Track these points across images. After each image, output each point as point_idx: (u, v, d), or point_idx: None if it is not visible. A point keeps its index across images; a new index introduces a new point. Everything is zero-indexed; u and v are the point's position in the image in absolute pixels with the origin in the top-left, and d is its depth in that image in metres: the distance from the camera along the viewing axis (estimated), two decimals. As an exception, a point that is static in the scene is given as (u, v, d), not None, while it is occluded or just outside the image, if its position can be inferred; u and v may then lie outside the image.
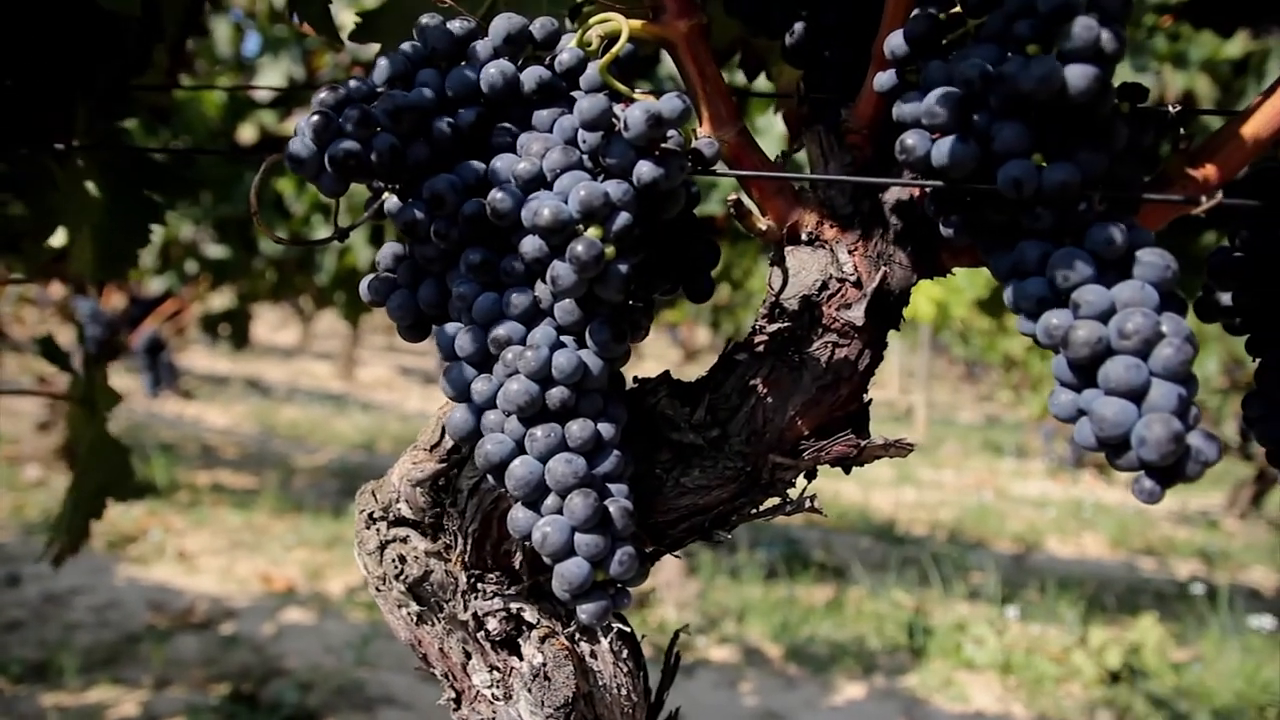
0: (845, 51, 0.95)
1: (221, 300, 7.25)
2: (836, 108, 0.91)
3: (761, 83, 1.48)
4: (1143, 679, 4.47)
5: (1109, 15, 0.67)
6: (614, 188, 0.69)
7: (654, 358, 17.30)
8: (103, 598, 4.56)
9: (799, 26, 0.97)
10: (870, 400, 0.89)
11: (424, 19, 0.78)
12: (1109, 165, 0.71)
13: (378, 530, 0.91)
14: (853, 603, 5.36)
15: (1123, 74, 3.22)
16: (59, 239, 1.58)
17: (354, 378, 14.44)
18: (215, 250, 5.49)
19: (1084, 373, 0.71)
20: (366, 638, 4.14)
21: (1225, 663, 4.63)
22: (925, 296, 4.24)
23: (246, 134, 4.71)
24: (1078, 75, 0.65)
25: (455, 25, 0.78)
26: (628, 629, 0.91)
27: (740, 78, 1.45)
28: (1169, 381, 0.68)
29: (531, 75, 0.76)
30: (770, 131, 3.42)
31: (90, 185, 1.48)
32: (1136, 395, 0.68)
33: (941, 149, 0.71)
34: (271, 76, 4.59)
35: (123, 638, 4.11)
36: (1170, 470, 0.69)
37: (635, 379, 0.90)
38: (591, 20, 0.78)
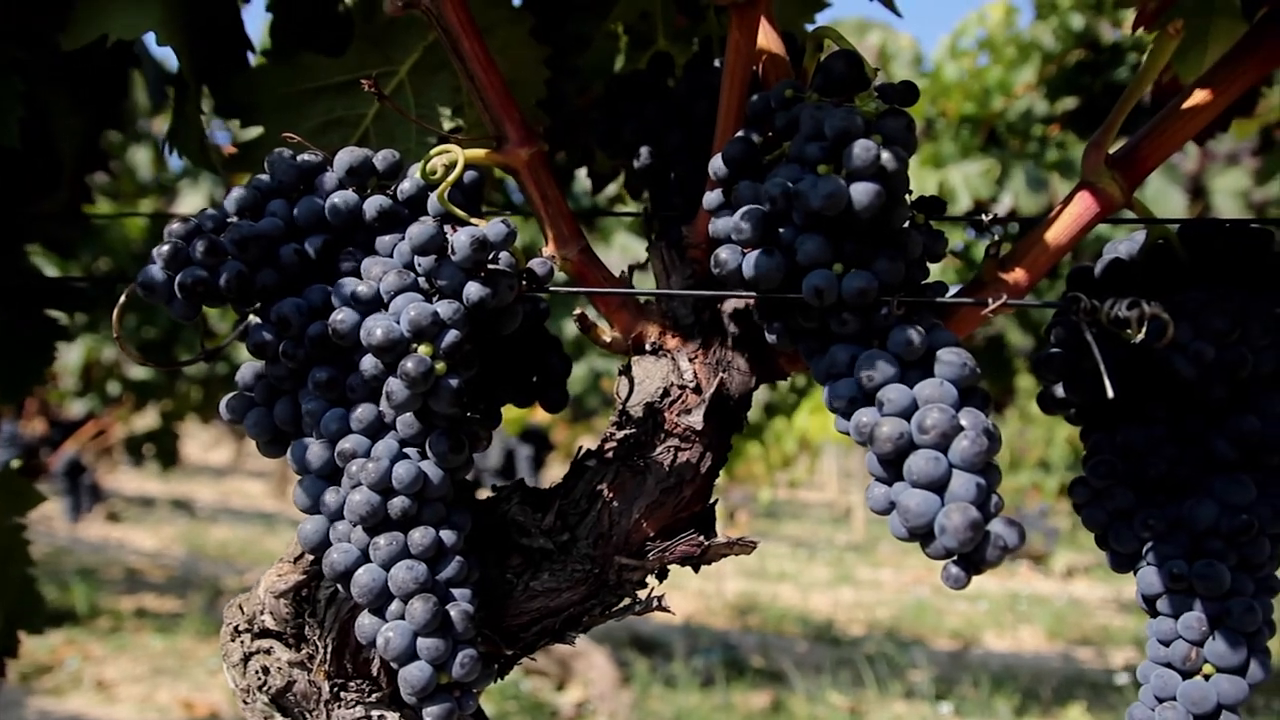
0: (688, 171, 1.02)
1: (146, 421, 7.16)
2: (679, 225, 0.97)
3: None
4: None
5: (891, 138, 0.73)
6: (444, 307, 0.74)
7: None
8: (14, 733, 4.41)
9: (645, 150, 1.03)
10: (716, 501, 0.93)
11: (274, 153, 0.83)
12: (905, 272, 0.77)
13: (242, 642, 0.93)
14: (791, 708, 5.33)
15: (1016, 184, 3.37)
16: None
17: (288, 495, 14.21)
18: (138, 371, 5.45)
19: (891, 467, 0.76)
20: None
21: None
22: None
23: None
24: (861, 192, 0.71)
25: (302, 158, 0.83)
26: (491, 733, 0.93)
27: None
28: (968, 472, 0.73)
29: (373, 204, 0.81)
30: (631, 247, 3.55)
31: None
32: (938, 486, 0.73)
33: (749, 262, 0.76)
34: (192, 199, 4.63)
35: (34, 774, 3.97)
36: (972, 556, 0.73)
37: (491, 487, 0.93)
38: (433, 152, 0.83)
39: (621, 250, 3.91)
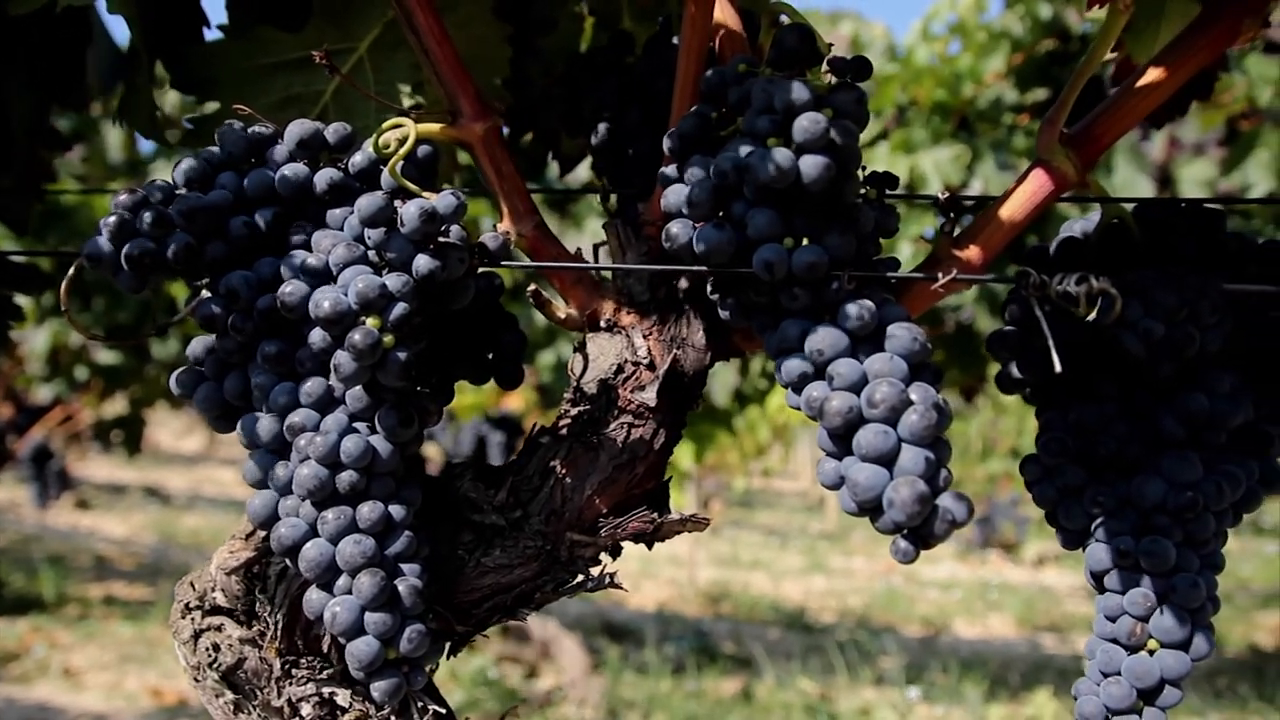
0: (646, 149, 1.01)
1: (116, 407, 7.11)
2: (636, 203, 0.97)
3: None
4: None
5: (841, 112, 0.73)
6: (392, 280, 0.73)
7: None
8: (-21, 720, 4.38)
9: (603, 126, 1.03)
10: (669, 478, 0.93)
11: (224, 125, 0.82)
12: (857, 247, 0.77)
13: (193, 619, 0.92)
14: (761, 694, 5.35)
15: (986, 170, 3.38)
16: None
17: (260, 483, 14.10)
18: (106, 356, 5.41)
19: (841, 441, 0.76)
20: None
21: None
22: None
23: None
24: (810, 165, 0.71)
25: (253, 130, 0.82)
26: (444, 710, 0.92)
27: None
28: (917, 446, 0.73)
29: (324, 177, 0.80)
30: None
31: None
32: (887, 460, 0.73)
33: (700, 236, 0.76)
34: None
35: (-2, 761, 3.94)
36: (920, 530, 0.74)
37: (446, 464, 0.93)
38: (385, 125, 0.83)
39: (593, 235, 3.90)
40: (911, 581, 9.13)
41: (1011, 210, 0.88)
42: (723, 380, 4.33)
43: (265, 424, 0.80)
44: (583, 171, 1.53)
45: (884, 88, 3.36)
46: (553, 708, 4.88)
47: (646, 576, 8.47)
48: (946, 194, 0.90)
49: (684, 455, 5.37)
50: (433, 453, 6.22)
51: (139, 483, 13.07)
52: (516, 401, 5.60)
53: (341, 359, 0.74)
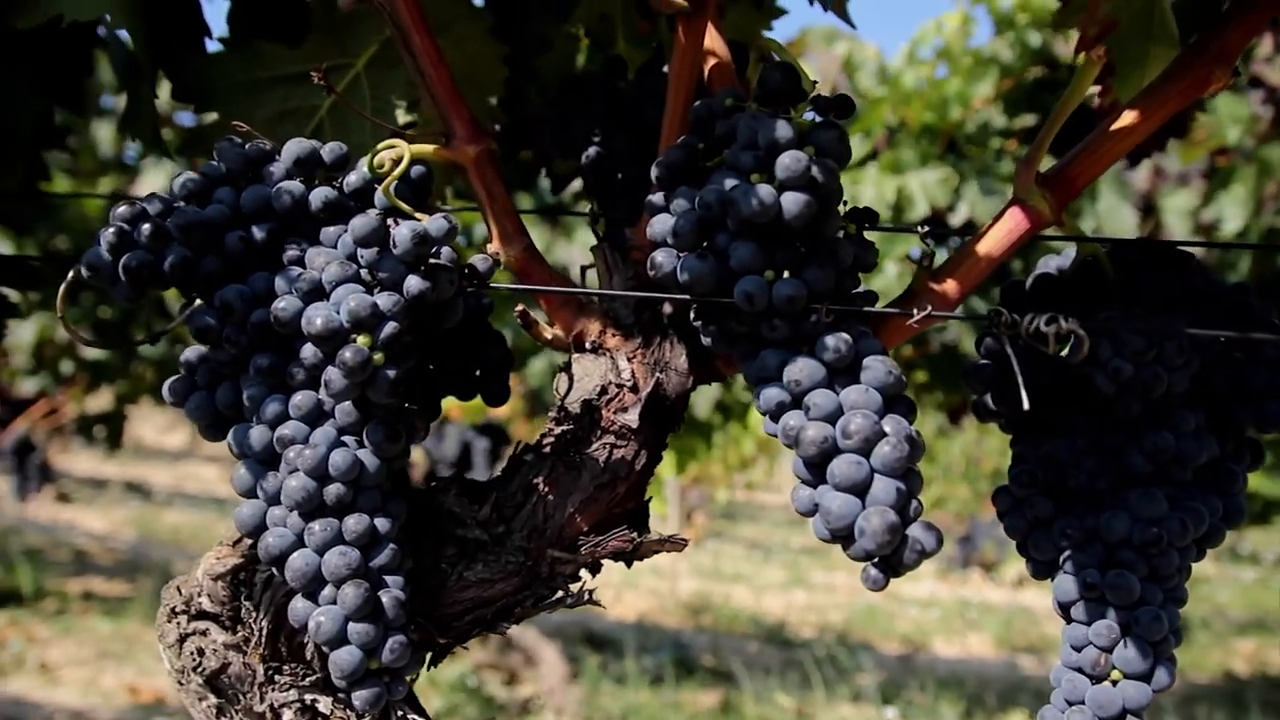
0: (634, 174, 1.03)
1: (100, 402, 7.10)
2: (624, 227, 0.99)
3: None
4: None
5: (823, 150, 0.76)
6: (384, 299, 0.75)
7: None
8: (-47, 713, 4.36)
9: (593, 150, 1.05)
10: (650, 499, 0.95)
11: (222, 141, 0.84)
12: (836, 281, 0.79)
13: (178, 624, 0.94)
14: (739, 708, 5.37)
15: (972, 193, 3.41)
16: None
17: (243, 482, 14.05)
18: (92, 351, 5.40)
19: (816, 470, 0.78)
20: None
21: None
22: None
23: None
24: (792, 202, 0.74)
25: (251, 147, 0.84)
26: (423, 719, 0.94)
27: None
28: (889, 477, 0.76)
29: (319, 195, 0.82)
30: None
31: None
32: (859, 490, 0.76)
33: (684, 266, 0.78)
34: (154, 179, 4.59)
35: (-28, 755, 3.93)
36: (890, 559, 0.76)
37: (431, 478, 0.95)
38: (379, 146, 0.85)
39: (583, 247, 3.92)
40: (891, 599, 9.16)
41: (989, 246, 0.91)
42: (705, 392, 4.35)
43: (255, 434, 0.82)
44: (575, 182, 1.55)
45: (874, 109, 3.40)
46: (531, 716, 4.89)
47: (628, 586, 8.48)
48: (925, 228, 0.93)
49: (665, 467, 5.39)
50: (417, 456, 6.24)
51: (120, 477, 13.03)
52: (502, 408, 5.62)
53: (332, 375, 0.76)
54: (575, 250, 3.76)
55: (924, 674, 6.37)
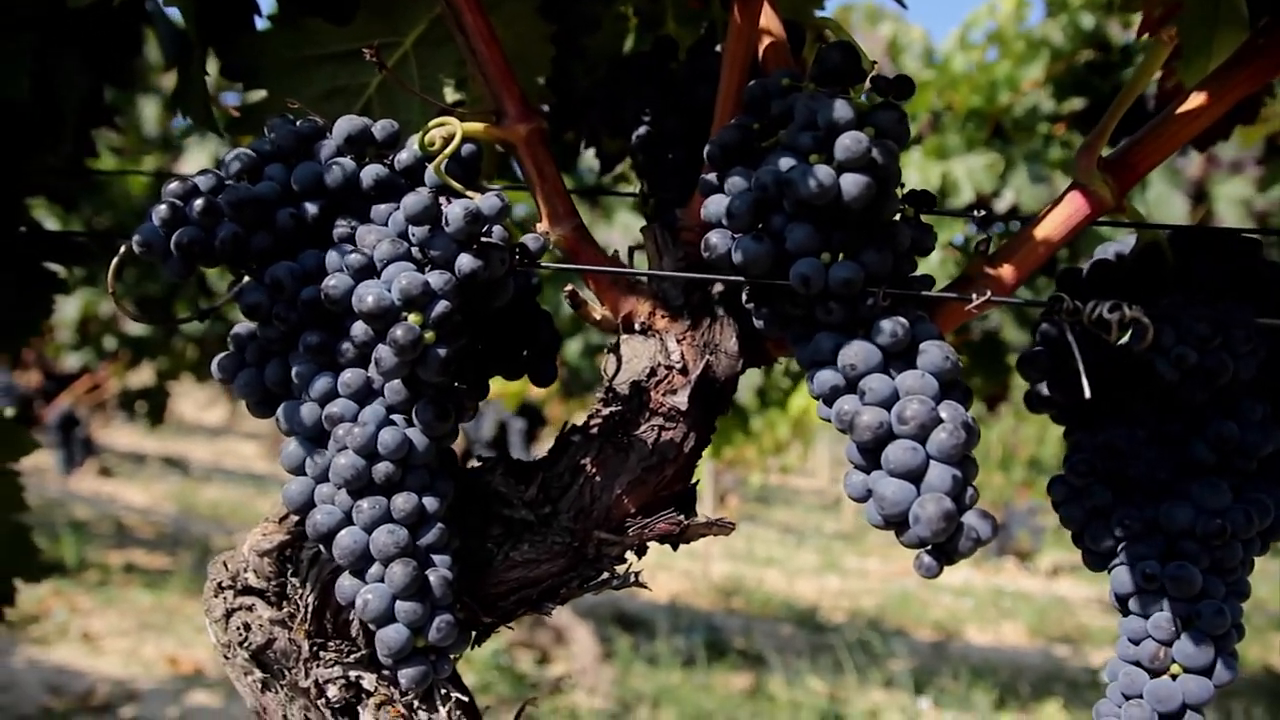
0: (685, 155, 1.02)
1: (142, 377, 7.17)
2: (674, 208, 0.98)
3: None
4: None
5: (883, 131, 0.74)
6: (435, 277, 0.75)
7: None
8: (-1, 680, 4.44)
9: (643, 130, 1.04)
10: (697, 481, 0.94)
11: (274, 118, 0.84)
12: (893, 264, 0.78)
13: (225, 598, 0.94)
14: (770, 691, 5.37)
15: (1019, 180, 3.36)
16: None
17: (281, 458, 14.19)
18: (135, 327, 5.46)
19: (870, 455, 0.77)
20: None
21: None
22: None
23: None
24: (851, 183, 0.72)
25: (302, 124, 0.84)
26: (466, 698, 0.94)
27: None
28: (944, 464, 0.74)
29: (370, 173, 0.82)
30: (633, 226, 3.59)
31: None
32: (915, 476, 0.74)
33: (739, 248, 0.77)
34: (198, 157, 4.62)
35: (16, 722, 4.00)
36: (944, 546, 0.75)
37: (478, 458, 0.94)
38: (431, 123, 0.84)
39: (624, 229, 3.91)
40: (925, 586, 9.11)
41: (1046, 231, 0.89)
42: (746, 378, 4.33)
43: (304, 412, 0.82)
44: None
45: (920, 93, 3.35)
46: (563, 695, 4.91)
47: (660, 568, 8.50)
48: (983, 212, 0.91)
49: (703, 450, 5.37)
50: (453, 436, 6.24)
51: (161, 452, 13.18)
52: (536, 388, 5.62)
53: (383, 353, 0.75)
54: (615, 232, 3.75)
55: (957, 662, 6.34)
